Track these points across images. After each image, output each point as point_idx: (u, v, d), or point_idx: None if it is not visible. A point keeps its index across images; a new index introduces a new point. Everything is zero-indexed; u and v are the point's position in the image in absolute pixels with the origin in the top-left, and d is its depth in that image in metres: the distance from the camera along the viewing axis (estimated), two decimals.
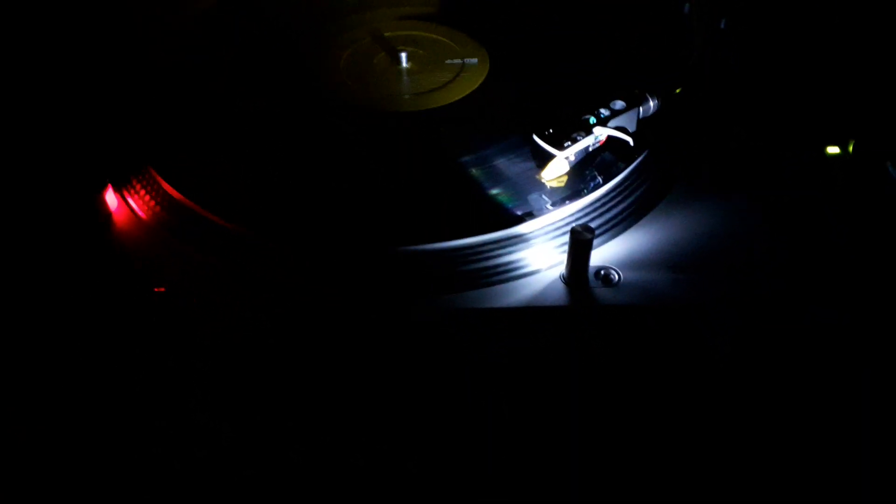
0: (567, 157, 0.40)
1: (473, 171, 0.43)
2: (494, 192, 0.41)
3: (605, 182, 0.41)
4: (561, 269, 0.38)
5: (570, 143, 0.40)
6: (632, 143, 0.41)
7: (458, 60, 0.50)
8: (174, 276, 0.39)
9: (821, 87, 0.50)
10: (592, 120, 0.41)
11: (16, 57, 0.53)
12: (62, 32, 0.55)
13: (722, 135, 0.45)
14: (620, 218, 0.41)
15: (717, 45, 0.51)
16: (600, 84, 0.46)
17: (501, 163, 0.43)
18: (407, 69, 0.51)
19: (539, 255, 0.39)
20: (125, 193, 0.44)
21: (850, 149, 0.45)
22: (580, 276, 0.37)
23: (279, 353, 0.38)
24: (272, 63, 0.53)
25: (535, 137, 0.41)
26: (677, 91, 0.45)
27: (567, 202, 0.40)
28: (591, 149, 0.41)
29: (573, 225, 0.36)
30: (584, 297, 0.37)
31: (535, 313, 0.37)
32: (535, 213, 0.40)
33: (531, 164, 0.42)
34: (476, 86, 0.49)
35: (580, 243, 0.36)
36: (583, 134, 0.40)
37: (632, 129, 0.42)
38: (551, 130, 0.41)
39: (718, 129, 0.46)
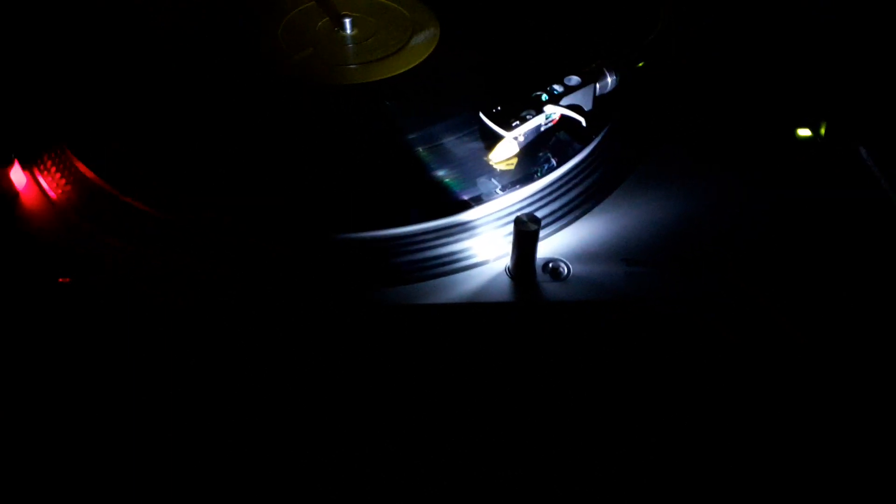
0: (516, 138, 0.37)
1: (417, 150, 0.39)
2: (438, 174, 0.38)
3: (559, 166, 0.38)
4: (506, 261, 0.35)
5: (518, 122, 0.37)
6: (584, 123, 0.37)
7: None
8: (83, 264, 0.36)
9: (791, 68, 0.47)
10: (544, 97, 0.38)
11: None
12: None
13: (683, 117, 0.42)
14: (573, 206, 0.38)
15: (684, 17, 0.48)
16: (556, 57, 0.43)
17: (448, 143, 0.40)
18: (351, 36, 0.47)
19: (485, 245, 0.36)
20: (35, 172, 0.40)
21: (822, 132, 0.43)
22: (526, 269, 0.34)
23: (201, 344, 0.35)
24: (204, 29, 0.48)
25: (482, 116, 0.37)
26: (639, 65, 0.42)
27: (517, 187, 0.37)
28: (542, 129, 0.38)
29: (518, 214, 0.33)
30: (530, 292, 0.34)
31: (477, 310, 0.34)
32: (482, 198, 0.36)
33: (480, 145, 0.39)
34: (423, 57, 0.45)
35: (525, 235, 0.33)
36: (533, 112, 0.37)
37: (587, 107, 0.39)
38: (499, 108, 0.37)
39: (680, 110, 0.43)
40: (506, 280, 0.35)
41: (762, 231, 0.37)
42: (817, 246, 0.36)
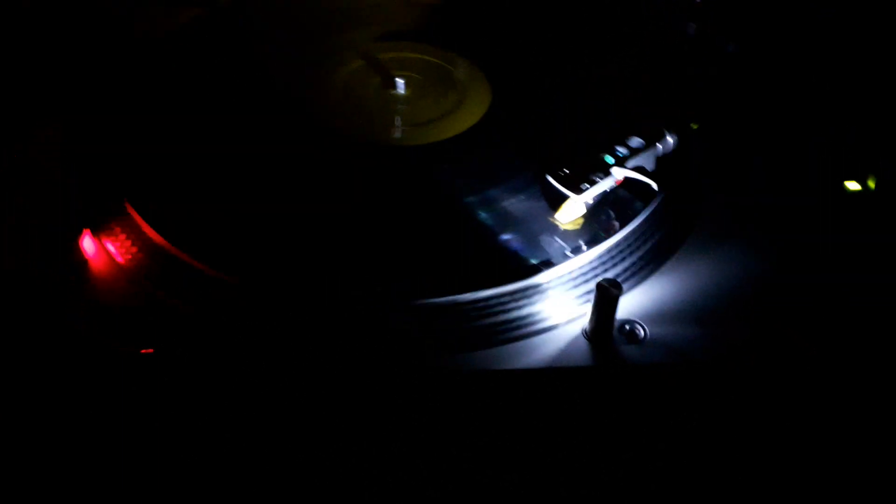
0: (585, 201, 0.38)
1: (480, 213, 0.40)
2: (506, 237, 0.38)
3: (623, 225, 0.38)
4: (582, 322, 0.36)
5: (587, 185, 0.37)
6: (655, 186, 0.38)
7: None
8: (159, 332, 0.36)
9: (836, 118, 0.48)
10: (610, 160, 0.39)
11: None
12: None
13: (741, 171, 0.43)
14: (642, 265, 0.38)
15: (727, 71, 0.49)
16: (612, 118, 0.44)
17: (511, 204, 0.40)
18: (404, 97, 0.48)
19: (558, 307, 0.36)
20: (102, 237, 0.40)
21: (871, 184, 0.44)
22: (605, 333, 0.34)
23: (273, 412, 0.35)
24: (260, 90, 0.49)
25: (550, 179, 0.38)
26: (694, 126, 0.42)
27: (585, 248, 0.37)
28: (608, 190, 0.39)
29: (594, 277, 0.33)
30: (610, 355, 0.34)
31: (557, 374, 0.34)
32: (552, 261, 0.37)
33: (543, 205, 0.40)
34: (478, 118, 0.46)
35: (607, 300, 0.33)
36: (601, 175, 0.38)
37: (650, 167, 0.40)
38: (567, 171, 0.38)
39: (738, 164, 0.43)
40: (583, 343, 0.35)
41: (824, 286, 0.38)
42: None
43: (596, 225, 0.39)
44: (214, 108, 0.47)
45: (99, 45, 0.52)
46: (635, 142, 0.39)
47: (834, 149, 0.45)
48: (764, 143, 0.45)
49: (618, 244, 0.38)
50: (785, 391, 0.35)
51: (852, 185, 0.44)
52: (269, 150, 0.44)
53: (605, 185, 0.37)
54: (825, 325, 0.36)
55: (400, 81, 0.47)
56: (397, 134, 0.45)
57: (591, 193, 0.37)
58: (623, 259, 0.38)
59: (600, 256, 0.38)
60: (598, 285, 0.33)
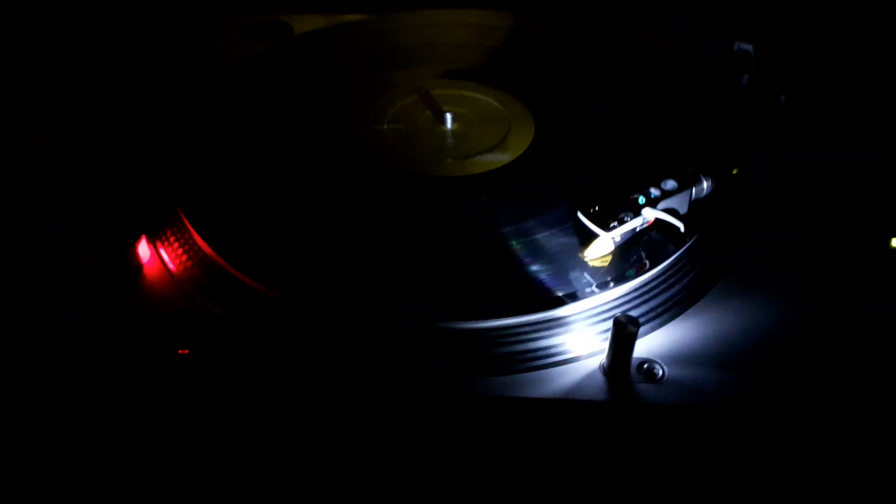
0: (613, 238, 0.38)
1: (514, 245, 0.41)
2: (534, 269, 0.39)
3: (652, 266, 0.39)
4: (602, 357, 0.36)
5: (616, 223, 0.38)
6: (682, 228, 0.38)
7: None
8: (199, 337, 0.38)
9: (885, 170, 0.47)
10: (642, 200, 0.39)
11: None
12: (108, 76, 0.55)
13: (775, 221, 0.43)
14: (667, 306, 0.38)
15: (778, 122, 0.49)
16: (652, 160, 0.44)
17: (543, 238, 0.41)
18: (451, 130, 0.50)
19: (579, 341, 0.37)
20: (158, 244, 0.44)
21: None
22: (622, 369, 0.35)
23: (300, 422, 0.36)
24: (320, 119, 0.52)
25: (580, 215, 0.39)
26: (734, 172, 0.43)
27: (611, 285, 0.38)
28: (638, 230, 0.39)
29: (617, 314, 0.34)
30: (626, 392, 0.35)
31: (570, 406, 0.34)
32: (577, 295, 0.37)
33: (574, 241, 0.40)
34: (519, 153, 0.47)
35: (624, 336, 0.33)
36: (630, 215, 0.38)
37: (683, 210, 0.40)
38: (597, 208, 0.39)
39: (772, 215, 0.43)
40: (600, 378, 0.35)
41: (852, 341, 0.37)
42: None
43: (626, 264, 0.39)
44: (275, 133, 0.50)
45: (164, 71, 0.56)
46: (669, 184, 0.40)
47: (882, 202, 0.44)
48: (807, 190, 0.45)
49: (645, 283, 0.39)
50: (797, 447, 0.34)
51: None
52: (321, 175, 0.46)
53: (633, 224, 0.38)
54: (851, 383, 0.35)
55: (448, 116, 0.50)
56: (441, 165, 0.47)
57: (619, 231, 0.38)
58: (650, 299, 0.38)
59: (626, 294, 0.38)
60: (616, 320, 0.33)
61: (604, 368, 0.35)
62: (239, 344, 0.37)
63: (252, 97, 0.54)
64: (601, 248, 0.39)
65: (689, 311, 0.38)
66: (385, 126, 0.50)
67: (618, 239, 0.38)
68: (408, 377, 0.36)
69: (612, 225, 0.38)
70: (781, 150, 0.46)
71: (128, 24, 0.61)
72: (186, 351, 0.37)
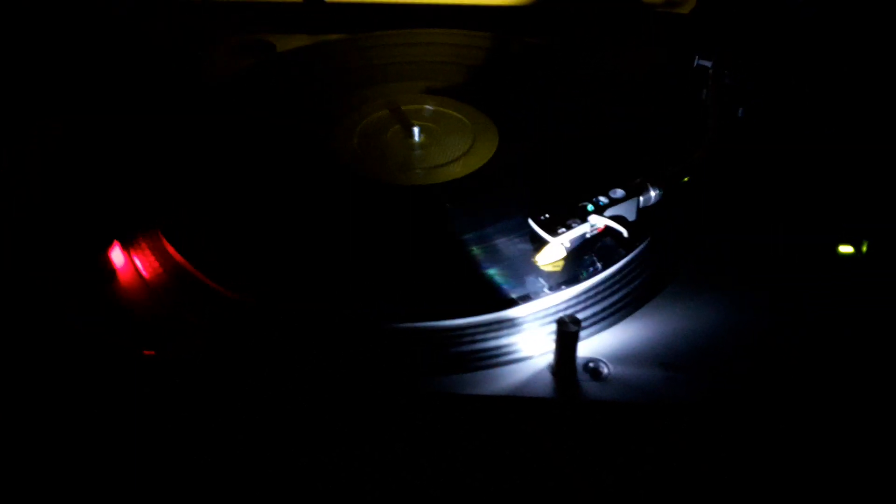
0: (562, 244, 0.40)
1: (471, 249, 0.43)
2: (490, 272, 0.41)
3: (602, 270, 0.41)
4: (551, 357, 0.38)
5: (564, 229, 0.40)
6: (626, 234, 0.40)
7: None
8: (168, 340, 0.40)
9: (839, 180, 0.49)
10: (590, 207, 0.41)
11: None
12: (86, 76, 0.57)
13: (724, 228, 0.44)
14: (616, 308, 0.40)
15: (732, 135, 0.51)
16: (604, 169, 0.46)
17: (500, 243, 0.43)
18: (418, 143, 0.52)
19: (530, 341, 0.38)
20: (131, 251, 0.45)
21: (864, 249, 0.44)
22: (567, 367, 0.36)
23: (261, 424, 0.38)
24: (289, 132, 0.54)
25: (531, 222, 0.41)
26: (685, 180, 0.44)
27: (562, 288, 0.40)
28: (588, 236, 0.41)
29: (563, 315, 0.35)
30: (571, 389, 0.36)
31: (518, 404, 0.36)
32: (530, 296, 0.39)
33: (528, 247, 0.42)
34: (481, 164, 0.49)
35: (566, 335, 0.35)
36: (578, 221, 0.40)
37: (631, 217, 0.42)
38: (547, 216, 0.41)
39: (721, 221, 0.45)
40: (548, 377, 0.37)
41: (799, 345, 0.38)
42: (859, 363, 0.37)
43: (580, 268, 0.41)
44: (254, 144, 0.52)
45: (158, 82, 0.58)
46: (617, 193, 0.42)
47: (832, 208, 0.46)
48: (757, 192, 0.47)
49: (595, 286, 0.40)
50: (743, 442, 0.35)
51: (845, 249, 0.45)
52: (294, 183, 0.48)
53: (580, 230, 0.40)
54: (797, 386, 0.36)
55: (416, 129, 0.52)
56: (406, 175, 0.49)
57: (567, 237, 0.40)
58: (599, 301, 0.40)
59: (576, 296, 0.40)
60: (558, 320, 0.35)
61: (551, 367, 0.37)
62: (210, 349, 0.39)
63: (234, 110, 0.56)
64: (552, 253, 0.40)
65: (638, 313, 0.40)
66: (355, 139, 0.52)
67: (568, 245, 0.40)
68: (365, 377, 0.37)
69: (559, 231, 0.40)
70: (733, 153, 0.48)
71: (124, 26, 0.63)
72: (152, 352, 0.38)
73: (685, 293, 0.41)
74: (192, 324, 0.40)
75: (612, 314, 0.40)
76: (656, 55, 0.63)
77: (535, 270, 0.41)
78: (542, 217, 0.40)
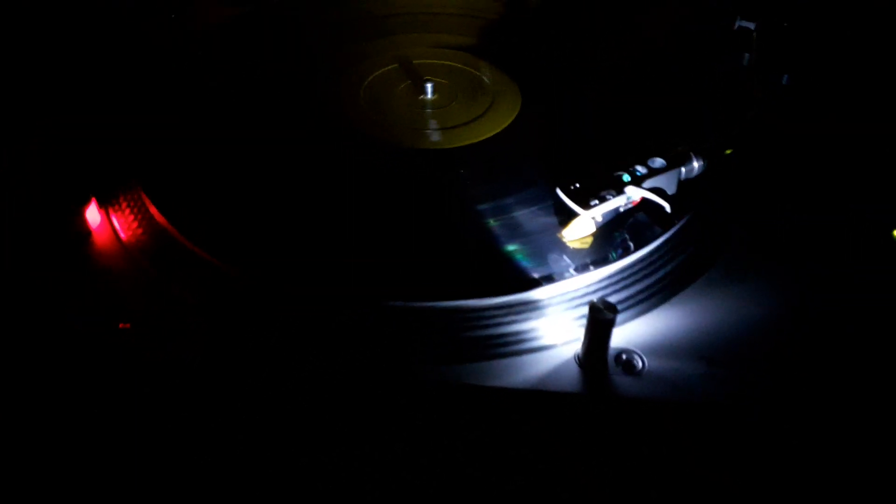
0: (593, 218, 0.35)
1: (488, 222, 0.38)
2: (509, 248, 0.36)
3: (637, 249, 0.36)
4: (578, 346, 0.33)
5: (597, 201, 0.35)
6: (668, 209, 0.35)
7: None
8: (146, 310, 0.35)
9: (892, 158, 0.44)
10: (626, 177, 0.36)
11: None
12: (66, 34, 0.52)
13: (775, 206, 0.40)
14: (651, 292, 0.35)
15: (778, 104, 0.46)
16: (643, 138, 0.41)
17: (520, 216, 0.38)
18: (431, 101, 0.47)
19: (554, 327, 0.34)
20: (110, 210, 0.41)
21: None
22: (598, 359, 0.32)
23: (252, 409, 0.34)
24: (286, 86, 0.49)
25: (559, 192, 0.36)
26: (727, 152, 0.40)
27: (591, 268, 0.35)
28: (622, 209, 0.36)
29: (593, 298, 0.31)
30: (601, 383, 0.32)
31: (540, 398, 0.32)
32: (554, 277, 0.35)
33: (553, 221, 0.38)
34: (503, 126, 0.44)
35: (600, 323, 0.31)
36: (613, 193, 0.35)
37: (671, 191, 0.37)
38: (577, 185, 0.36)
39: (771, 198, 0.40)
40: (574, 368, 0.33)
41: (856, 338, 0.34)
42: None
43: (609, 246, 0.37)
44: (245, 102, 0.47)
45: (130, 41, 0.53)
46: (657, 162, 0.37)
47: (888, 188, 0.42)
48: (808, 173, 0.42)
49: (627, 267, 0.36)
50: (782, 449, 0.31)
51: None
52: (291, 146, 0.43)
53: (615, 203, 0.35)
54: (849, 382, 0.32)
55: (428, 85, 0.47)
56: (417, 137, 0.44)
57: (599, 210, 0.35)
58: (632, 284, 0.36)
59: (607, 278, 0.35)
60: (590, 305, 0.30)
61: (579, 358, 0.33)
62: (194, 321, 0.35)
63: (223, 64, 0.51)
64: (581, 227, 0.36)
65: (675, 300, 0.35)
66: (361, 95, 0.47)
67: (599, 219, 0.35)
68: (369, 363, 0.33)
69: (592, 203, 0.35)
70: (783, 129, 0.43)
71: None
72: (128, 325, 0.34)
73: (728, 278, 0.36)
74: (176, 297, 0.36)
75: (647, 300, 0.35)
76: (689, 14, 0.58)
77: (561, 247, 0.36)
78: (572, 187, 0.36)
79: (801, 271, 0.37)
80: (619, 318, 0.34)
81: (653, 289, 0.36)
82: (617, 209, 0.36)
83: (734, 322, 0.35)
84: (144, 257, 0.38)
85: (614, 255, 0.36)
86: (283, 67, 0.50)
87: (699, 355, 0.33)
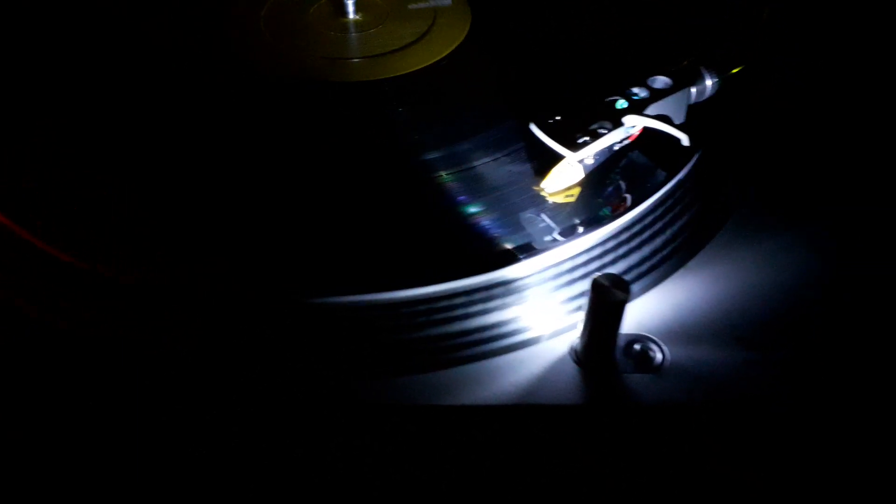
0: (581, 161, 0.26)
1: (439, 176, 0.28)
2: (469, 211, 0.27)
3: (636, 201, 0.27)
4: (571, 338, 0.24)
5: (587, 137, 0.26)
6: (686, 140, 0.27)
7: (423, 4, 0.35)
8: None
9: None
10: (621, 103, 0.27)
11: None
12: None
13: (795, 141, 0.31)
14: (661, 258, 0.27)
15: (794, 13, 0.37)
16: (630, 51, 0.32)
17: (483, 166, 0.29)
18: (355, 21, 0.36)
19: (537, 314, 0.25)
20: None
21: None
22: (604, 354, 0.23)
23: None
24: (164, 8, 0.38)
25: (535, 129, 0.27)
26: (735, 70, 0.31)
27: (580, 231, 0.26)
28: (616, 147, 0.27)
29: (596, 274, 0.22)
30: (610, 386, 0.23)
31: (528, 413, 0.23)
32: (534, 247, 0.25)
33: (527, 169, 0.28)
34: (450, 49, 0.34)
35: (609, 306, 0.22)
36: (608, 125, 0.26)
37: (678, 119, 0.28)
38: (559, 119, 0.26)
39: (791, 131, 0.32)
40: (571, 368, 0.24)
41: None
42: None
43: (600, 199, 0.27)
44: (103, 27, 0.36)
45: None
46: (660, 82, 0.28)
47: None
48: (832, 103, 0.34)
49: (628, 226, 0.27)
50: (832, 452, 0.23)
51: None
52: (171, 88, 0.33)
53: (611, 138, 0.26)
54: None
55: (349, 2, 0.36)
56: (340, 68, 0.34)
57: (591, 150, 0.26)
58: (635, 249, 0.27)
59: (603, 243, 0.26)
60: (594, 284, 0.21)
61: (576, 354, 0.24)
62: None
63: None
64: (566, 175, 0.27)
65: (692, 264, 0.27)
66: (262, 20, 0.36)
67: (590, 161, 0.26)
68: (290, 377, 0.24)
69: (580, 140, 0.26)
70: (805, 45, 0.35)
71: None
72: None
73: (748, 232, 0.28)
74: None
75: (656, 268, 0.27)
76: None
77: (538, 205, 0.27)
78: (552, 121, 0.26)
79: (832, 219, 0.29)
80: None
81: (662, 252, 0.27)
82: (611, 147, 0.27)
83: (763, 285, 0.26)
84: None
85: (607, 210, 0.27)
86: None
87: (730, 335, 0.25)
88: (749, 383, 0.24)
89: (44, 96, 0.33)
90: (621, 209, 0.27)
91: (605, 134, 0.26)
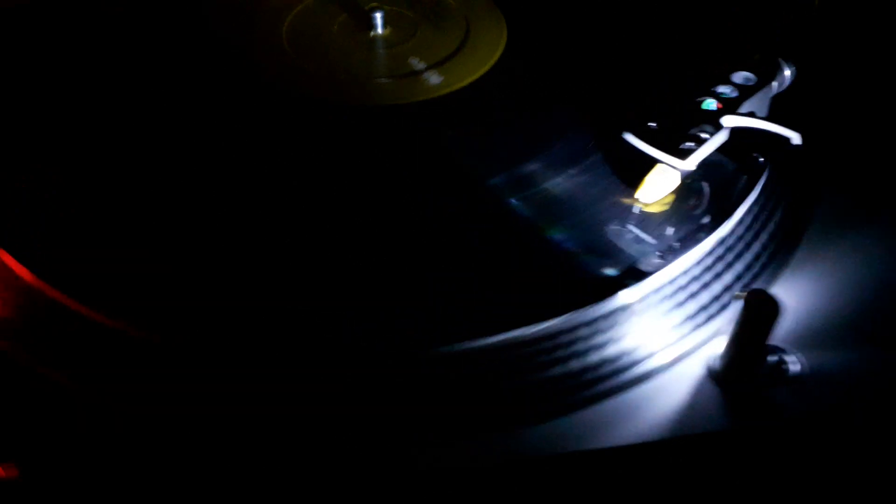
0: (682, 168, 0.25)
1: (510, 203, 0.26)
2: (553, 238, 0.25)
3: (736, 203, 0.26)
4: (691, 359, 0.23)
5: (692, 143, 0.24)
6: (798, 139, 0.25)
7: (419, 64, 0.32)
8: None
9: None
10: (707, 104, 0.26)
11: None
12: None
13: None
14: (769, 256, 0.26)
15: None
16: (690, 48, 0.31)
17: (558, 184, 0.27)
18: (382, 37, 0.34)
19: (650, 340, 0.23)
20: None
21: None
22: (750, 370, 0.22)
23: None
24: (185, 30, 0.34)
25: (632, 139, 0.25)
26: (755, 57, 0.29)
27: (688, 243, 0.24)
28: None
29: (740, 290, 0.21)
30: (759, 407, 0.22)
31: (667, 448, 0.21)
32: (639, 268, 0.24)
33: (607, 182, 0.26)
34: (490, 63, 0.32)
35: (763, 318, 0.20)
36: (710, 129, 0.25)
37: (762, 113, 0.27)
38: (656, 126, 0.25)
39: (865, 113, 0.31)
40: (710, 391, 0.22)
41: None
42: None
43: (685, 205, 0.26)
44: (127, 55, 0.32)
45: None
46: (741, 77, 0.27)
47: None
48: None
49: (734, 230, 0.25)
50: None
51: None
52: (191, 112, 0.30)
53: (716, 142, 0.25)
54: None
55: (376, 16, 0.33)
56: (370, 89, 0.31)
57: (699, 157, 0.24)
58: (743, 252, 0.25)
59: (712, 252, 0.25)
60: (749, 300, 0.20)
61: (716, 374, 0.22)
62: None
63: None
64: (663, 183, 0.25)
65: (798, 256, 0.26)
66: (284, 36, 0.33)
67: (693, 168, 0.25)
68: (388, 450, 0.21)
69: (686, 147, 0.24)
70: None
71: None
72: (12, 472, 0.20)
73: (842, 217, 0.27)
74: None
75: (767, 266, 0.26)
76: None
77: (623, 217, 0.25)
78: (649, 127, 0.25)
79: None
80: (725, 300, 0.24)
81: (769, 249, 0.26)
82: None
83: (867, 277, 0.26)
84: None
85: (700, 211, 0.25)
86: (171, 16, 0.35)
87: (858, 329, 0.24)
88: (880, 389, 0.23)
89: (55, 125, 0.29)
90: (718, 215, 0.26)
91: (708, 139, 0.24)
